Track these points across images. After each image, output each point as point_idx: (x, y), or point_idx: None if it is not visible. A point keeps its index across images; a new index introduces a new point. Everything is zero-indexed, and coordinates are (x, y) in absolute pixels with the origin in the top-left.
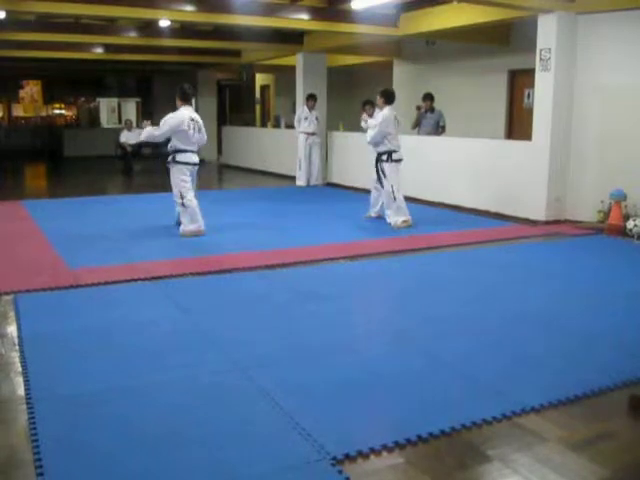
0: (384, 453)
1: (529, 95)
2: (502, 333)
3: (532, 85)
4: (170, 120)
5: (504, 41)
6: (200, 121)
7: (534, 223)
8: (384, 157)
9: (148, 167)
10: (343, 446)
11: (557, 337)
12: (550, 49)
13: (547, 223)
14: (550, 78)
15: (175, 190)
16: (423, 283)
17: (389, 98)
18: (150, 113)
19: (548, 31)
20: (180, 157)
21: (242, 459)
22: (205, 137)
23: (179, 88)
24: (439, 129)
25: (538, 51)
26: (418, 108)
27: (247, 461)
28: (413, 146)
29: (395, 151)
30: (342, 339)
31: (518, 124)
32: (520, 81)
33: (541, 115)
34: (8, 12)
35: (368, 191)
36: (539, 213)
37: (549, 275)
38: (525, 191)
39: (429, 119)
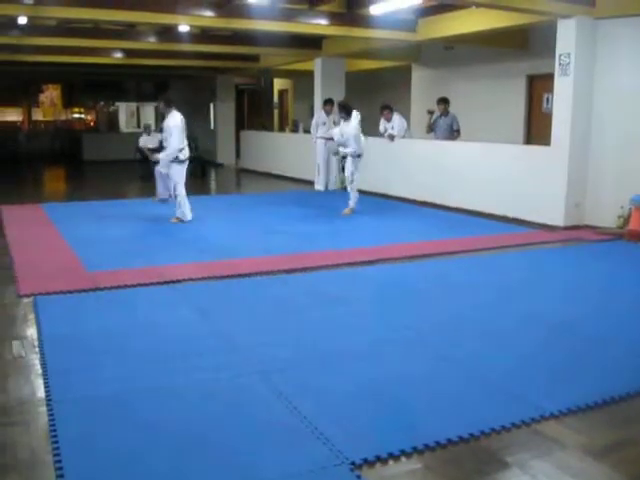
0: (402, 458)
1: (548, 100)
2: (521, 339)
3: (551, 90)
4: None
5: (523, 46)
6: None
7: (553, 229)
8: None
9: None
10: (362, 451)
11: (576, 343)
12: (569, 54)
13: (566, 228)
14: (569, 83)
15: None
16: (441, 288)
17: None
18: None
19: (567, 36)
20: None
21: (260, 463)
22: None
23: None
24: (454, 133)
25: (557, 56)
26: (429, 112)
27: (266, 465)
28: (430, 151)
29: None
30: (361, 343)
31: (537, 129)
32: (539, 86)
33: (560, 120)
34: (29, 18)
35: (386, 195)
36: (558, 218)
37: (568, 281)
38: (544, 196)
39: (443, 123)
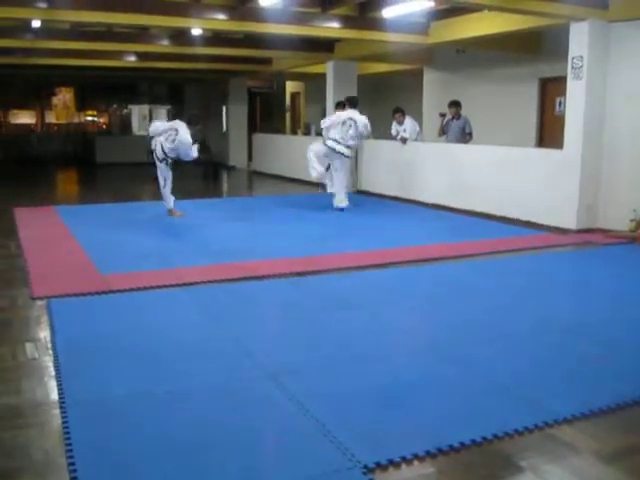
0: (415, 462)
1: (560, 103)
2: (534, 343)
3: (563, 93)
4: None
5: (535, 49)
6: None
7: (565, 232)
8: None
9: (180, 174)
10: (374, 455)
11: (590, 347)
12: (582, 57)
13: (578, 232)
14: (582, 86)
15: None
16: (453, 292)
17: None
18: (181, 119)
19: (580, 39)
20: None
21: (273, 467)
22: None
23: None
24: (466, 136)
25: (570, 59)
26: (441, 115)
27: (278, 469)
28: (442, 154)
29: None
30: (373, 347)
31: (549, 132)
32: (551, 89)
33: (573, 123)
34: (43, 21)
35: (398, 198)
36: (570, 222)
37: (580, 285)
38: (556, 199)
39: (455, 126)
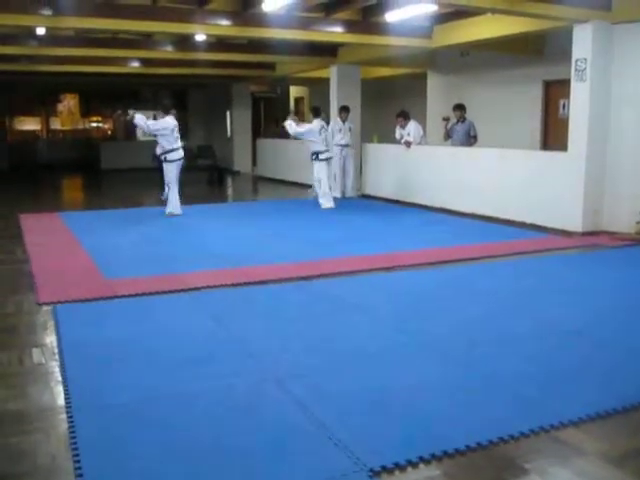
0: (421, 465)
1: (564, 106)
2: (539, 345)
3: (567, 96)
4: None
5: (539, 52)
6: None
7: (571, 234)
8: (313, 156)
9: (184, 179)
10: (380, 458)
11: (595, 350)
12: (586, 59)
13: (584, 234)
14: (586, 89)
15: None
16: (458, 295)
17: (317, 113)
18: (186, 124)
19: (583, 41)
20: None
21: (278, 470)
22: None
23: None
24: (471, 139)
25: (573, 61)
26: (445, 119)
27: (283, 472)
28: (446, 157)
29: (320, 152)
30: (378, 350)
31: (554, 135)
32: (555, 91)
33: (577, 126)
34: (48, 28)
35: (403, 202)
36: (576, 224)
37: (587, 287)
38: (561, 202)
39: (459, 130)
